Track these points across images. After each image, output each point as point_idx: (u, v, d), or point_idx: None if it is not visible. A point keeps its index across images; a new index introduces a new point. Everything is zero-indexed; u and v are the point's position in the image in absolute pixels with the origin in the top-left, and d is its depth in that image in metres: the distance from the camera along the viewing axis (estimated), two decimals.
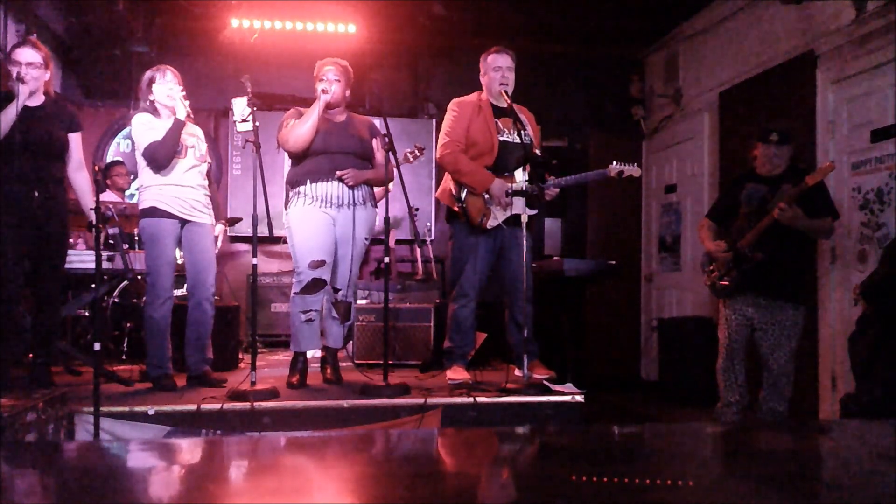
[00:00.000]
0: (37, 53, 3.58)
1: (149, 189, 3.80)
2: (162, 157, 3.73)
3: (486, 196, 3.87)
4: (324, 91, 3.80)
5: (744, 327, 3.84)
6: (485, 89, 4.02)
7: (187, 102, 3.80)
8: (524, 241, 3.68)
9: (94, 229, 3.32)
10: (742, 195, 3.90)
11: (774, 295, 3.76)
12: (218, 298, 4.68)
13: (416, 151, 5.09)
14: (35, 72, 3.56)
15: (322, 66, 3.93)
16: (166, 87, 3.80)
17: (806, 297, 3.84)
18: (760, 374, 3.88)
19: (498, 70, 3.93)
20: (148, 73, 3.84)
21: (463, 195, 3.88)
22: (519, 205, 3.84)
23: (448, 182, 4.01)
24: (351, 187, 3.87)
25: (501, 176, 3.89)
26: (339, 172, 3.81)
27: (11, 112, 3.38)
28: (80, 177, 3.75)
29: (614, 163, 3.93)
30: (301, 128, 3.82)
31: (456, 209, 3.92)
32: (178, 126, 3.71)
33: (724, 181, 5.54)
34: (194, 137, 3.89)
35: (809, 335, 4.85)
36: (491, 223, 3.89)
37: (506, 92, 3.87)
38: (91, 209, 3.75)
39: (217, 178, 6.42)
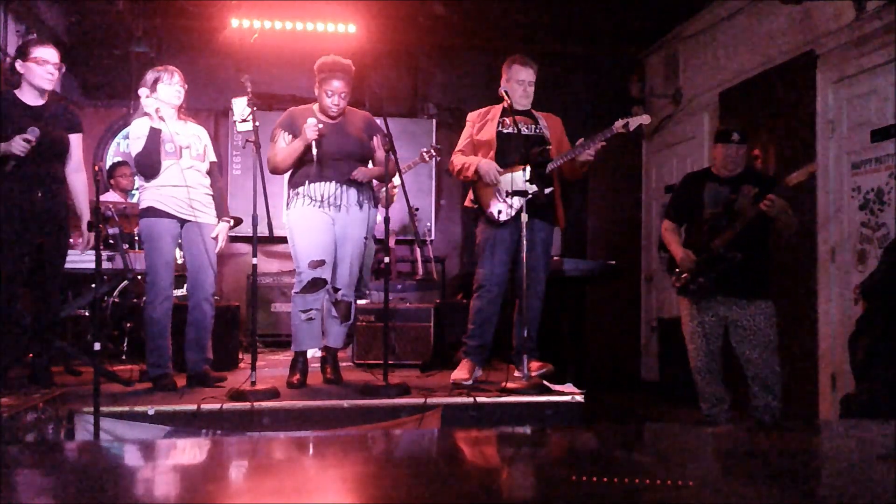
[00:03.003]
0: (56, 53, 3.62)
1: (147, 189, 3.80)
2: (145, 167, 3.74)
3: (497, 190, 3.90)
4: (312, 138, 3.73)
5: (719, 327, 3.85)
6: (508, 95, 3.95)
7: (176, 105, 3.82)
8: (523, 239, 3.69)
9: (94, 229, 3.33)
10: (704, 195, 3.90)
11: (747, 293, 3.78)
12: (218, 298, 4.68)
13: (433, 151, 5.12)
14: (58, 73, 3.62)
15: (327, 75, 3.83)
16: (173, 89, 3.80)
17: (769, 292, 3.85)
18: (742, 376, 3.88)
19: (521, 83, 4.03)
20: (153, 73, 3.80)
21: (477, 195, 4.00)
22: (519, 202, 3.86)
23: (470, 192, 4.14)
24: (349, 185, 3.87)
25: (508, 168, 3.93)
26: (352, 175, 3.84)
27: None
28: (77, 178, 3.75)
29: (619, 119, 3.89)
30: (282, 158, 3.85)
31: (475, 207, 4.03)
32: (154, 135, 3.69)
33: None
34: (194, 137, 3.88)
35: (809, 335, 4.86)
36: (505, 216, 3.91)
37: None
38: (85, 210, 3.77)
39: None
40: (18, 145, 3.33)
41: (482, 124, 4.06)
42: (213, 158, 4.00)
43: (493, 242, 3.95)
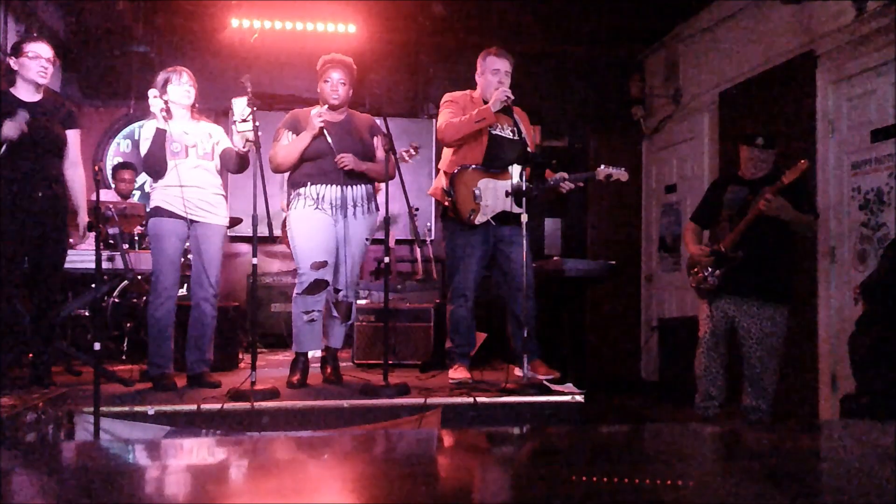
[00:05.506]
0: (50, 49, 3.64)
1: (155, 189, 3.85)
2: (151, 168, 3.78)
3: (477, 192, 3.86)
4: (320, 127, 3.78)
5: (724, 323, 3.87)
6: (479, 88, 4.03)
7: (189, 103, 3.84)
8: (523, 240, 3.68)
9: (94, 229, 3.33)
10: (724, 198, 3.92)
11: (755, 294, 3.78)
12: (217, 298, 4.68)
13: (412, 150, 5.10)
14: (52, 67, 3.64)
15: (327, 66, 3.90)
16: (183, 89, 3.83)
17: (788, 297, 3.84)
18: (740, 373, 3.90)
19: (496, 73, 3.95)
20: (163, 74, 3.85)
21: (452, 190, 3.88)
22: (510, 202, 3.85)
23: (440, 179, 4.03)
24: (351, 185, 3.87)
25: (492, 173, 3.90)
26: (338, 157, 3.79)
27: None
28: (74, 173, 3.75)
29: (602, 166, 3.97)
30: (287, 153, 3.85)
31: (447, 204, 3.93)
32: (159, 136, 3.71)
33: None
34: (203, 135, 3.88)
35: (809, 335, 4.86)
36: (480, 219, 3.88)
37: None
38: (82, 206, 3.78)
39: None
40: (10, 128, 3.34)
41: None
42: (228, 145, 3.94)
43: (467, 248, 3.92)
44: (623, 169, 4.01)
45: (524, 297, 3.72)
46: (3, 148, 3.34)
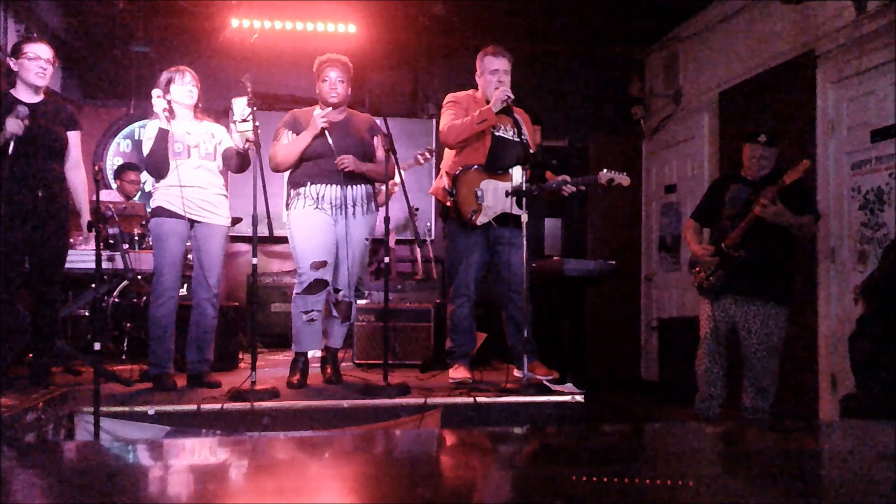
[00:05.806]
0: (50, 49, 3.65)
1: (158, 189, 3.85)
2: (153, 167, 3.79)
3: (479, 192, 3.87)
4: (323, 127, 3.79)
5: (725, 323, 3.87)
6: (480, 89, 4.04)
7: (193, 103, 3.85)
8: (523, 242, 3.69)
9: (94, 229, 3.33)
10: (727, 196, 3.92)
11: (756, 294, 3.79)
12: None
13: (427, 154, 5.09)
14: (51, 68, 3.65)
15: (324, 66, 3.92)
16: (185, 89, 3.84)
17: (788, 297, 3.85)
18: (740, 372, 3.90)
19: (495, 73, 3.95)
20: (166, 74, 3.85)
21: (454, 190, 3.89)
22: (510, 203, 3.86)
23: (441, 179, 4.03)
24: (351, 185, 3.87)
25: (495, 174, 3.90)
26: (339, 158, 3.80)
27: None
28: (76, 175, 3.76)
29: (605, 170, 3.98)
30: (287, 152, 3.85)
31: (448, 204, 3.93)
32: (161, 136, 3.71)
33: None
34: (206, 135, 3.88)
35: (809, 335, 4.86)
36: (481, 220, 3.89)
37: None
38: (84, 207, 3.79)
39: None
40: (13, 124, 3.35)
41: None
42: (230, 144, 3.94)
43: (468, 248, 3.93)
44: (625, 174, 4.02)
45: (524, 299, 3.72)
46: (11, 147, 3.34)
